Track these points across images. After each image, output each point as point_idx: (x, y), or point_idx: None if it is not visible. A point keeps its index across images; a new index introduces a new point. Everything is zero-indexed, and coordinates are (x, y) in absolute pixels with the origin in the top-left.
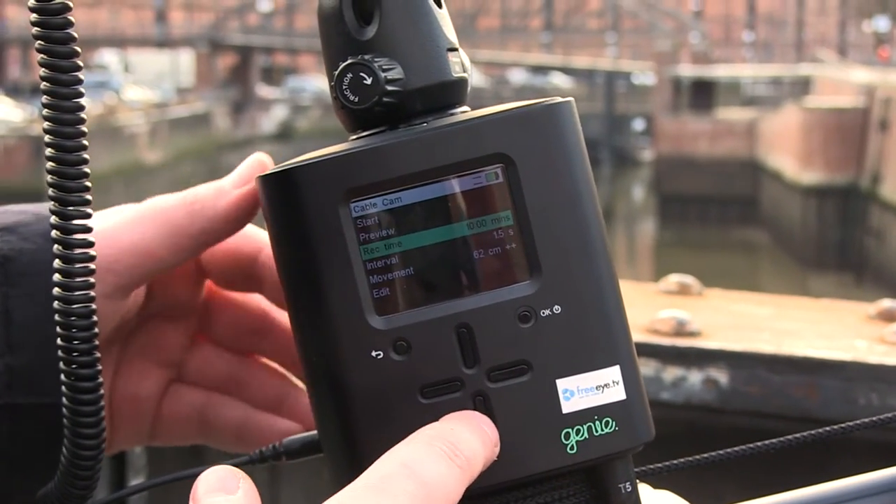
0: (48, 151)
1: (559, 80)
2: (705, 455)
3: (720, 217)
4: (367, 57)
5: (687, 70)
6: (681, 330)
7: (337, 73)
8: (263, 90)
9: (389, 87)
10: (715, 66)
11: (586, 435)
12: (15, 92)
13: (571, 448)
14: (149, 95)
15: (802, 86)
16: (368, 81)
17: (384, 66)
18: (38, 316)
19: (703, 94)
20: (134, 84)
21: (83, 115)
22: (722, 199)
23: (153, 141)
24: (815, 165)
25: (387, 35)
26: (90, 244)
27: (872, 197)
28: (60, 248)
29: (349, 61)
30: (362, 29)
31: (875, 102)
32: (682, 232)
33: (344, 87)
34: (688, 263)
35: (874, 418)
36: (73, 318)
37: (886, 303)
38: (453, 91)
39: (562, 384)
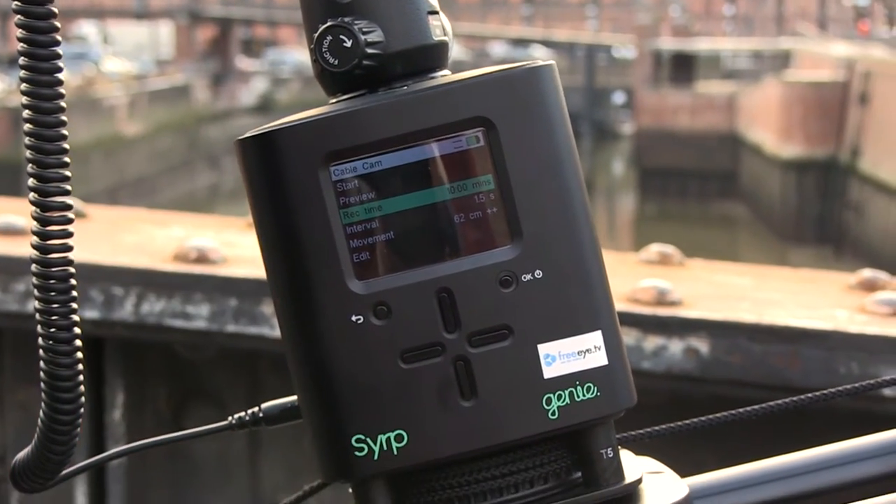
0: (27, 138)
1: (540, 53)
2: (687, 422)
3: (700, 191)
4: (346, 19)
5: (667, 43)
6: (662, 299)
7: (317, 35)
8: (243, 62)
9: (369, 50)
10: (695, 39)
11: (567, 400)
12: None
13: (553, 413)
14: (128, 67)
15: (783, 59)
16: (348, 44)
17: (364, 29)
18: None
19: (683, 68)
20: (113, 56)
21: (61, 78)
22: (702, 173)
23: (132, 113)
24: (794, 139)
25: None
26: (70, 220)
27: (852, 171)
28: (39, 225)
29: (329, 24)
30: None
31: (855, 76)
32: (663, 205)
33: (324, 49)
34: (668, 237)
35: (853, 385)
36: (50, 282)
37: (867, 273)
38: (434, 54)
39: (543, 349)
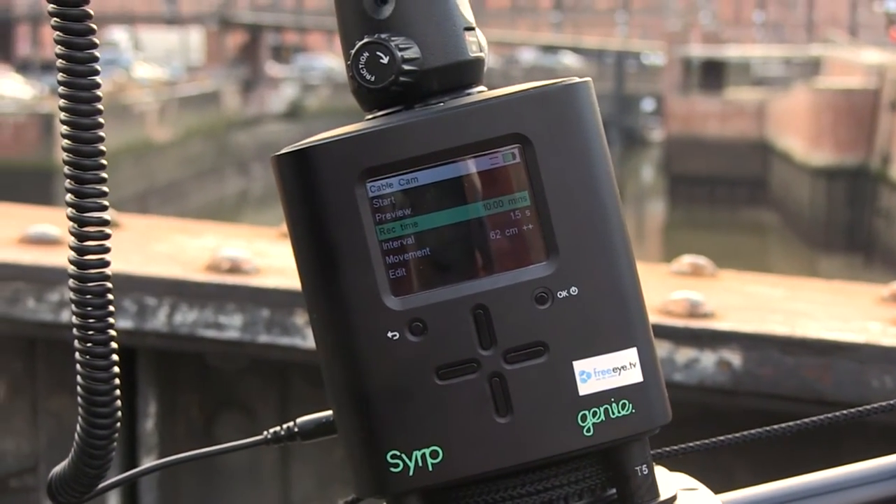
0: (66, 154)
1: (569, 59)
2: (721, 438)
3: (729, 198)
4: (383, 36)
5: (697, 50)
6: (694, 311)
7: (353, 52)
8: (273, 69)
9: (406, 67)
10: (725, 46)
11: (603, 417)
12: (24, 69)
13: (588, 430)
14: (158, 73)
15: (813, 66)
16: (385, 61)
17: (401, 46)
18: None
19: (713, 75)
20: (143, 62)
21: (99, 93)
22: (731, 180)
23: (162, 119)
24: (824, 146)
25: (403, 14)
26: (107, 236)
27: (882, 178)
28: (76, 240)
29: (366, 40)
30: (379, 8)
31: (886, 83)
32: (692, 212)
33: (360, 66)
34: (697, 244)
35: (889, 402)
36: (87, 297)
37: None
38: (470, 71)
39: (578, 366)
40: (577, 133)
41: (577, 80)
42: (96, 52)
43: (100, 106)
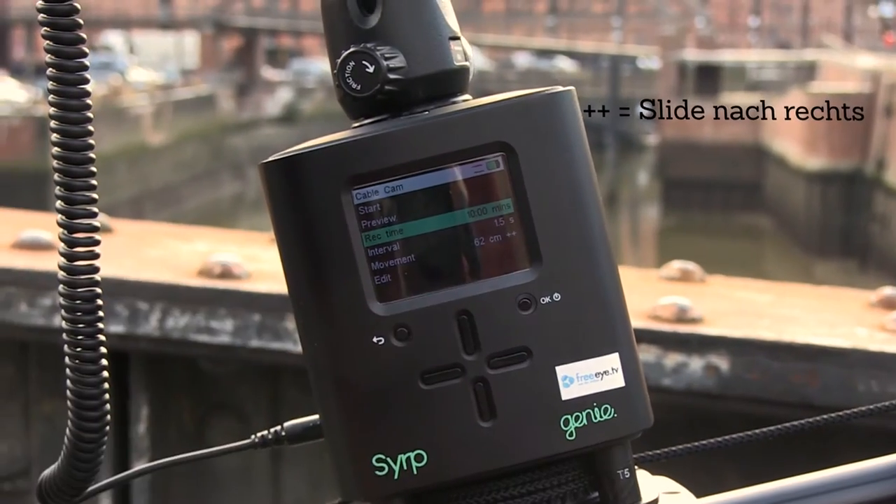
0: (55, 161)
1: (564, 64)
2: (703, 442)
3: (724, 202)
4: (369, 45)
5: (692, 55)
6: (682, 316)
7: (339, 61)
8: (268, 72)
9: (391, 76)
10: (720, 50)
11: (585, 421)
12: (19, 72)
13: (570, 434)
14: (153, 77)
15: (808, 71)
16: (371, 70)
17: (386, 55)
18: None
19: (708, 79)
20: (138, 65)
21: (89, 100)
22: (726, 185)
23: (158, 122)
24: (819, 151)
25: (389, 23)
26: (96, 242)
27: (877, 183)
28: (66, 246)
29: (352, 49)
30: (365, 17)
31: (880, 88)
32: (687, 217)
33: (346, 75)
34: (691, 249)
35: (873, 406)
36: (77, 302)
37: (887, 290)
38: (455, 79)
39: (561, 371)
40: (560, 141)
41: (559, 89)
42: (86, 61)
43: (89, 113)
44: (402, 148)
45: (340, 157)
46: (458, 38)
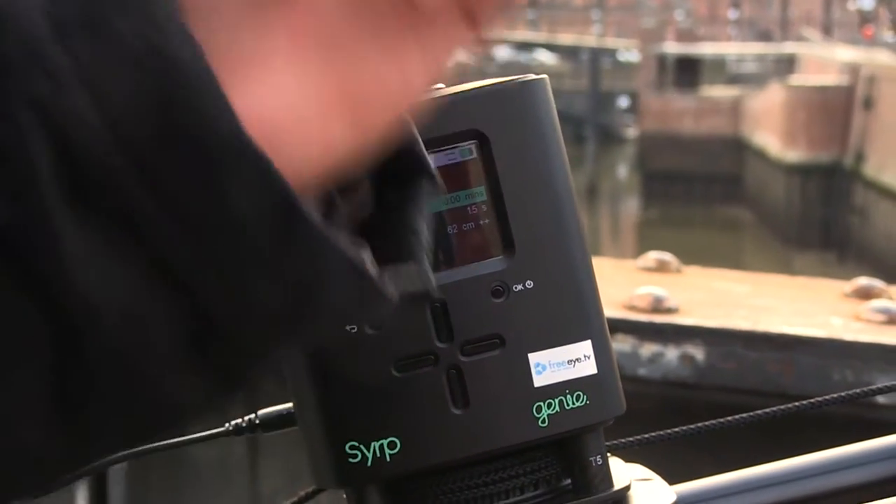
0: None
1: (544, 56)
2: (676, 429)
3: (704, 195)
4: None
5: (672, 48)
6: (658, 306)
7: None
8: None
9: None
10: (700, 43)
11: (557, 408)
12: None
13: (543, 421)
14: None
15: (788, 64)
16: None
17: None
18: None
19: (687, 72)
20: None
21: None
22: (706, 177)
23: None
24: (798, 144)
25: None
26: None
27: (856, 175)
28: None
29: None
30: None
31: (859, 81)
32: (667, 209)
33: None
34: (672, 241)
35: (846, 392)
36: None
37: (862, 281)
38: None
39: (534, 358)
40: (533, 130)
41: (533, 77)
42: None
43: None
44: None
45: None
46: None
